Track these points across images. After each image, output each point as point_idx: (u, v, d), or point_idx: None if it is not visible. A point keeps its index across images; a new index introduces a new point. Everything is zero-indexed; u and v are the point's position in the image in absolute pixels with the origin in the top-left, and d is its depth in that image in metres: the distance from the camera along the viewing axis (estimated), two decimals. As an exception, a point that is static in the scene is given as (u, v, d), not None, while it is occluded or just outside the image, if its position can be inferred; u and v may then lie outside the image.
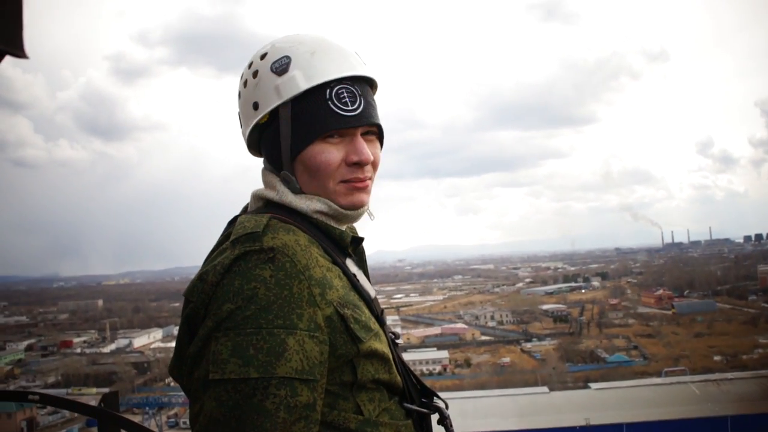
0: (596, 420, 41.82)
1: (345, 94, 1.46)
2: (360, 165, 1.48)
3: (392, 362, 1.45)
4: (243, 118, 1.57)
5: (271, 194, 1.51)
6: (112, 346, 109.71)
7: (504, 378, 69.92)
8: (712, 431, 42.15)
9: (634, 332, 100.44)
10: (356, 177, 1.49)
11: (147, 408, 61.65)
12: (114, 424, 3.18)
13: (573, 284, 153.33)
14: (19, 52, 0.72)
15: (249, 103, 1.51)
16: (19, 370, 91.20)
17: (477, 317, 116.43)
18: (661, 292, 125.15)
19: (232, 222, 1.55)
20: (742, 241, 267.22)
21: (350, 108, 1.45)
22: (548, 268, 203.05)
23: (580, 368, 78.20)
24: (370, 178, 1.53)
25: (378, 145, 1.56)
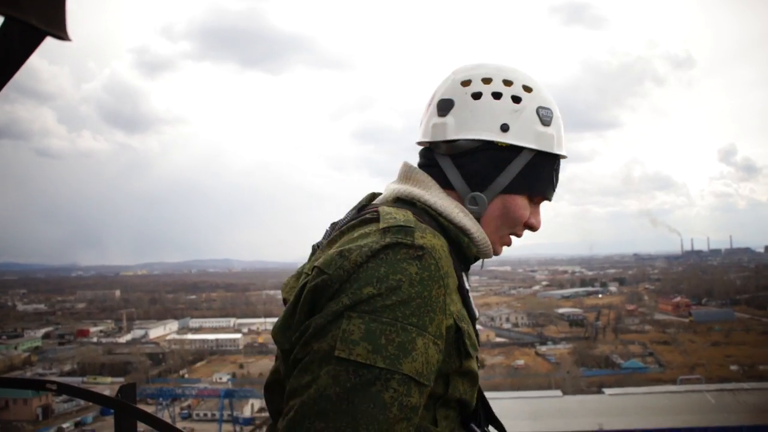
0: (609, 425, 41.71)
1: (559, 170, 1.57)
2: (530, 229, 1.58)
3: (477, 385, 1.46)
4: (472, 120, 1.51)
5: (421, 193, 1.50)
6: (128, 337, 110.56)
7: (518, 380, 69.79)
8: (727, 441, 41.76)
9: (650, 339, 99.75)
10: (519, 235, 1.59)
11: (161, 399, 61.98)
12: (131, 415, 3.20)
13: (590, 289, 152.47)
14: (61, 33, 0.72)
15: (496, 118, 1.49)
16: (35, 358, 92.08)
17: (492, 319, 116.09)
18: (678, 299, 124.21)
19: (360, 209, 1.55)
20: (762, 250, 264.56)
21: (556, 184, 1.57)
22: (565, 272, 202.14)
23: (594, 373, 77.78)
24: None
25: None
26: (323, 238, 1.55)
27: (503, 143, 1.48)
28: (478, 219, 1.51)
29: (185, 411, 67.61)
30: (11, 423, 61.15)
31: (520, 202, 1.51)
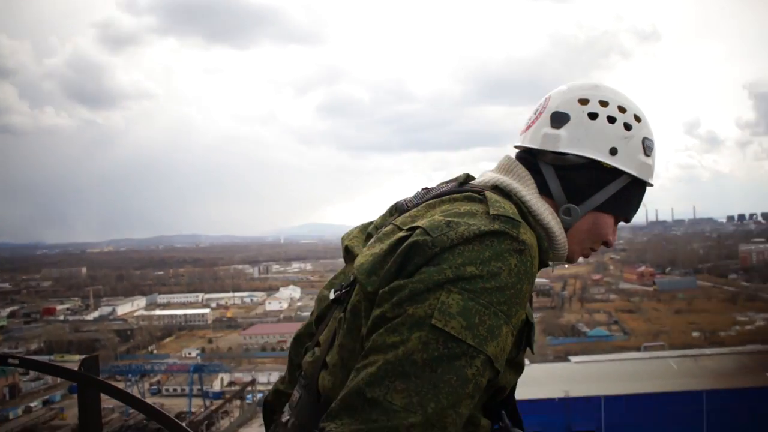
0: (575, 392, 42.31)
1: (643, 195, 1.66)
2: (606, 245, 1.66)
3: (520, 375, 1.54)
4: (585, 138, 1.57)
5: (518, 187, 1.57)
6: (96, 314, 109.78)
7: (485, 350, 70.55)
8: (688, 405, 42.98)
9: (616, 307, 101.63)
10: (595, 250, 1.68)
11: (130, 375, 61.74)
12: (94, 388, 3.17)
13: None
14: None
15: (608, 141, 1.56)
16: (1, 337, 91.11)
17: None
18: (643, 268, 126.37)
19: (461, 183, 1.63)
20: (725, 220, 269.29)
21: (638, 209, 1.67)
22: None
23: (560, 341, 78.94)
24: None
25: None
26: (413, 198, 1.62)
27: (609, 165, 1.55)
28: (566, 229, 1.58)
29: (154, 386, 67.55)
30: (-23, 403, 60.70)
31: (608, 221, 1.61)
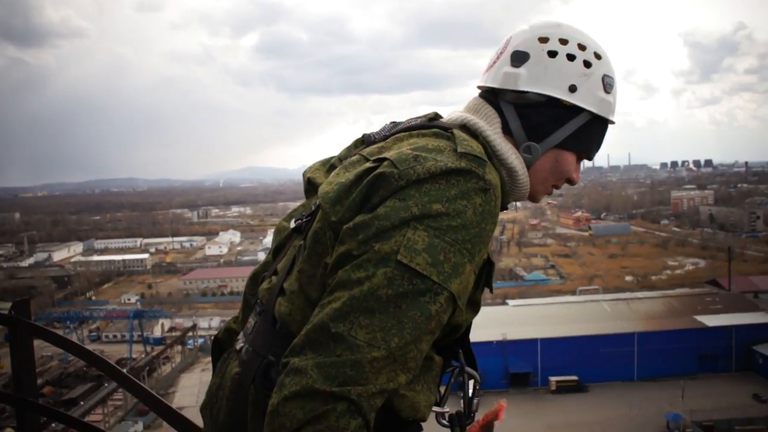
0: (513, 335, 43.65)
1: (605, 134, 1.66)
2: (570, 183, 1.67)
3: (477, 314, 1.56)
4: (545, 76, 1.58)
5: (485, 127, 1.58)
6: (31, 260, 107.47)
7: (426, 295, 71.61)
8: (620, 346, 44.69)
9: (552, 252, 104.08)
10: (558, 187, 1.69)
11: (68, 322, 60.97)
12: (26, 332, 3.09)
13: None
14: None
15: (566, 78, 1.56)
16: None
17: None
18: (579, 214, 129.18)
19: (433, 119, 1.63)
20: (658, 167, 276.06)
21: (600, 147, 1.67)
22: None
23: (498, 285, 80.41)
24: None
25: None
26: (381, 130, 1.64)
27: (568, 102, 1.55)
28: (528, 168, 1.59)
29: (94, 333, 66.93)
30: None
31: (570, 159, 1.61)
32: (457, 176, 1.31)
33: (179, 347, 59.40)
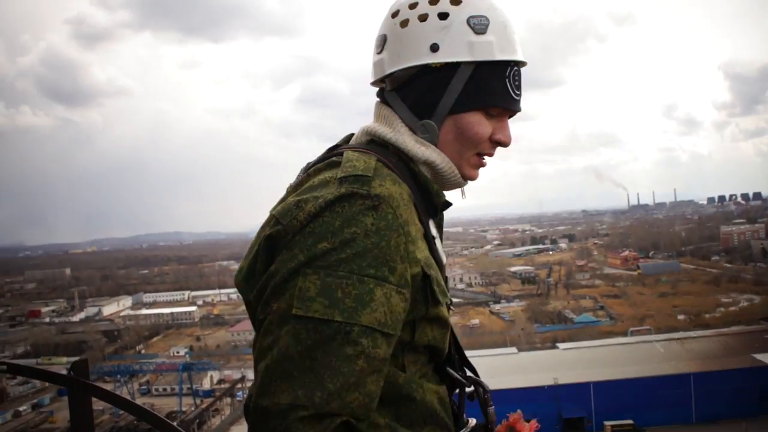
0: (564, 379, 42.76)
1: (518, 78, 1.47)
2: (500, 145, 1.51)
3: (448, 330, 1.46)
4: (402, 49, 1.46)
5: (385, 131, 1.47)
6: (81, 315, 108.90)
7: (473, 339, 70.84)
8: (676, 388, 43.39)
9: (601, 293, 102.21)
10: (490, 153, 1.52)
11: (118, 376, 61.49)
12: (85, 392, 3.14)
13: (541, 246, 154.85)
14: None
15: (424, 41, 1.42)
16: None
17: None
18: (626, 253, 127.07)
19: (333, 149, 1.53)
20: (705, 202, 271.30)
21: (518, 92, 1.48)
22: (516, 231, 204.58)
23: (548, 329, 79.54)
24: None
25: None
26: (302, 169, 1.53)
27: (437, 64, 1.42)
28: (436, 146, 1.47)
29: (144, 387, 67.30)
30: (-35, 409, 60.30)
31: (474, 119, 1.45)
32: (340, 204, 1.24)
33: (228, 399, 59.30)
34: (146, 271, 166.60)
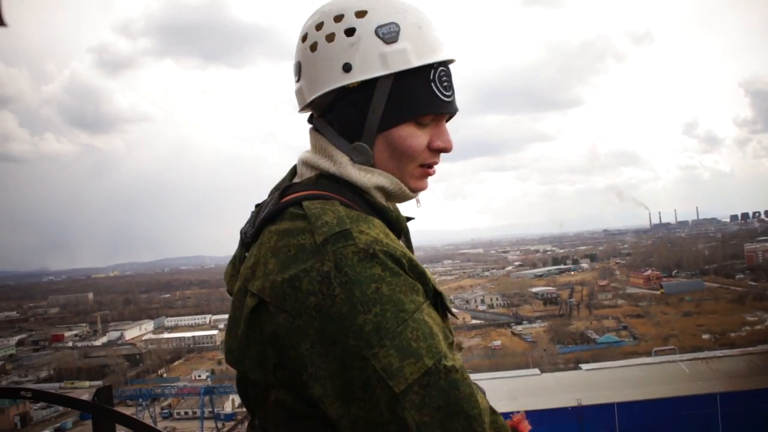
0: (588, 400, 42.25)
1: (445, 78, 1.39)
2: (441, 152, 1.44)
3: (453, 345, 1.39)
4: (317, 74, 1.40)
5: (327, 164, 1.41)
6: (104, 339, 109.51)
7: (495, 361, 70.39)
8: (702, 409, 42.76)
9: (624, 313, 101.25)
10: (434, 162, 1.45)
11: (140, 400, 61.59)
12: (109, 418, 3.18)
13: (562, 266, 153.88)
14: None
15: (336, 62, 1.36)
16: (10, 366, 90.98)
17: (467, 301, 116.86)
18: (649, 272, 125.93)
19: (282, 190, 1.43)
20: (728, 220, 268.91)
21: (448, 93, 1.40)
22: (537, 251, 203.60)
23: (570, 350, 78.83)
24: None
25: None
26: (248, 223, 1.45)
27: (353, 84, 1.35)
28: (374, 166, 1.41)
29: (166, 410, 67.45)
30: (-11, 433, 60.59)
31: (404, 132, 1.38)
32: (343, 274, 1.17)
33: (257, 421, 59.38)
34: (168, 295, 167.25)
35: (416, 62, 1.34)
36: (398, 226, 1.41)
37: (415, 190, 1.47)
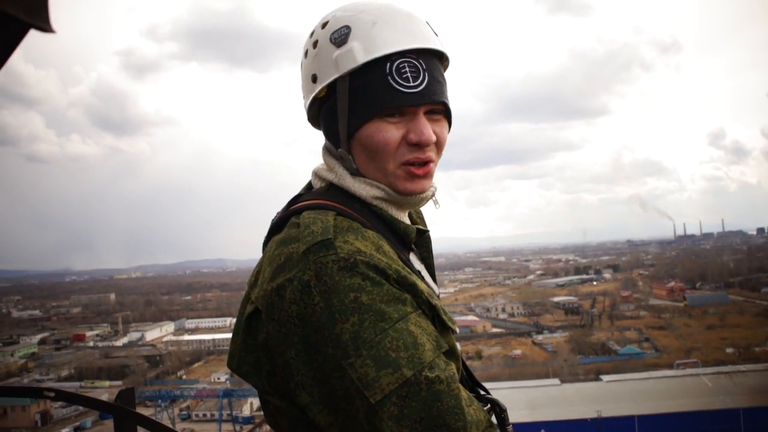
0: (608, 412, 41.80)
1: (407, 69, 1.35)
2: (420, 146, 1.38)
3: (459, 359, 1.38)
4: (303, 90, 1.49)
5: (330, 176, 1.45)
6: (125, 340, 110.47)
7: (515, 370, 69.92)
8: (725, 424, 42.12)
9: (646, 324, 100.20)
10: (416, 158, 1.38)
11: (159, 401, 61.80)
12: (130, 420, 3.19)
13: (584, 276, 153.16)
14: (44, 24, 0.59)
15: (308, 74, 1.43)
16: (32, 364, 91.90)
17: (488, 309, 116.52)
18: (673, 284, 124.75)
19: (294, 201, 1.49)
20: (755, 233, 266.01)
21: (412, 84, 1.35)
22: (559, 260, 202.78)
23: (591, 360, 78.07)
24: (433, 161, 1.43)
25: (445, 125, 1.45)
26: (268, 234, 1.48)
27: (320, 93, 1.41)
28: (360, 172, 1.43)
29: (184, 412, 67.56)
30: (10, 430, 61.02)
31: (371, 130, 1.36)
32: (322, 284, 1.19)
33: (268, 426, 59.32)
34: (189, 298, 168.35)
35: (363, 59, 1.34)
36: (406, 239, 1.42)
37: (406, 193, 1.42)
